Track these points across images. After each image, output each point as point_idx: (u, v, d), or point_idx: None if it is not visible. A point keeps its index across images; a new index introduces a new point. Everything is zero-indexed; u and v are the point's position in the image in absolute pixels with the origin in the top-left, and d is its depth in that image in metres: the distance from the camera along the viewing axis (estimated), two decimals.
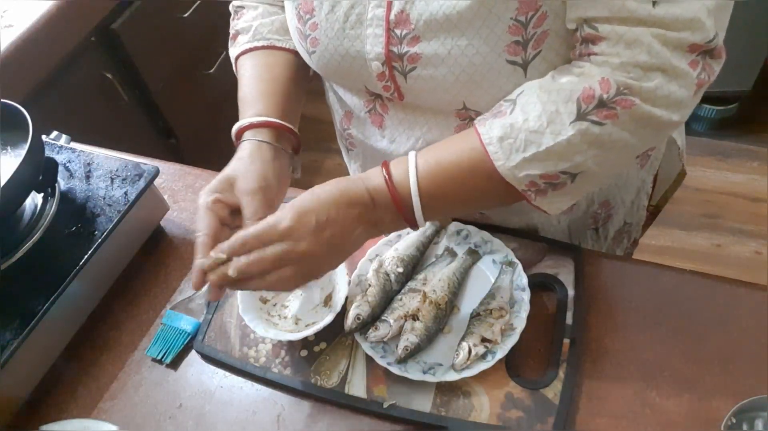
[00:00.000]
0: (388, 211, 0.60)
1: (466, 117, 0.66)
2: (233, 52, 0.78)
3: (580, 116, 0.54)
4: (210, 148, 1.83)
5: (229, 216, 0.64)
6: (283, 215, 0.58)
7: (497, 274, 0.73)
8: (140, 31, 1.50)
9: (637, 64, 0.53)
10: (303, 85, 0.78)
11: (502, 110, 0.59)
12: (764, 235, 1.85)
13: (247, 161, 0.67)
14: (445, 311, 0.70)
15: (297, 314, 0.75)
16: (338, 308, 0.71)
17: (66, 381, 0.75)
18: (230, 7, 0.82)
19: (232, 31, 0.79)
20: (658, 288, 0.74)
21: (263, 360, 0.72)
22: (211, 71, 1.73)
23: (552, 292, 0.73)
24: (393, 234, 0.79)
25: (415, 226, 0.62)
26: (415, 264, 0.75)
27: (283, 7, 0.77)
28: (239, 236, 0.59)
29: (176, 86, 1.66)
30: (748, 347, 0.67)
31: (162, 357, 0.75)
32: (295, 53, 0.75)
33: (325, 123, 0.96)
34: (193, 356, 0.75)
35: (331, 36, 0.65)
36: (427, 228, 0.77)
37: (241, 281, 0.59)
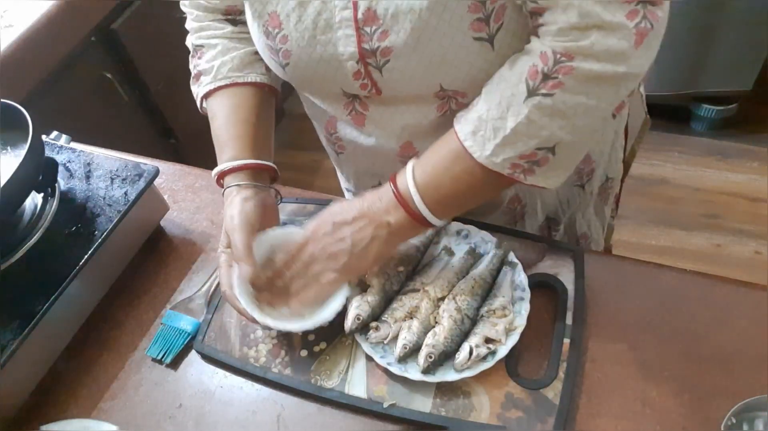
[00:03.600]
0: (402, 218, 0.66)
1: (445, 96, 0.68)
2: (197, 91, 0.80)
3: (531, 93, 0.57)
4: (210, 148, 1.83)
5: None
6: (303, 231, 0.71)
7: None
8: (140, 31, 1.50)
9: (573, 27, 0.54)
10: (270, 114, 0.83)
11: (473, 103, 0.63)
12: (764, 235, 1.85)
13: (230, 208, 0.73)
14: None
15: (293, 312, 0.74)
16: (338, 307, 0.71)
17: (66, 381, 0.75)
18: (188, 44, 0.83)
19: (194, 71, 0.81)
20: (658, 288, 0.74)
21: (263, 360, 0.72)
22: None
23: (552, 292, 0.73)
24: None
25: (429, 226, 0.67)
26: (415, 265, 0.75)
27: (242, 40, 0.79)
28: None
29: (176, 86, 1.65)
30: (748, 347, 0.67)
31: (162, 357, 0.75)
32: (258, 85, 0.79)
33: None
34: (193, 356, 0.75)
35: (302, 45, 0.66)
36: None
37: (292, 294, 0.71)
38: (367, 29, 0.62)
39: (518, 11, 0.60)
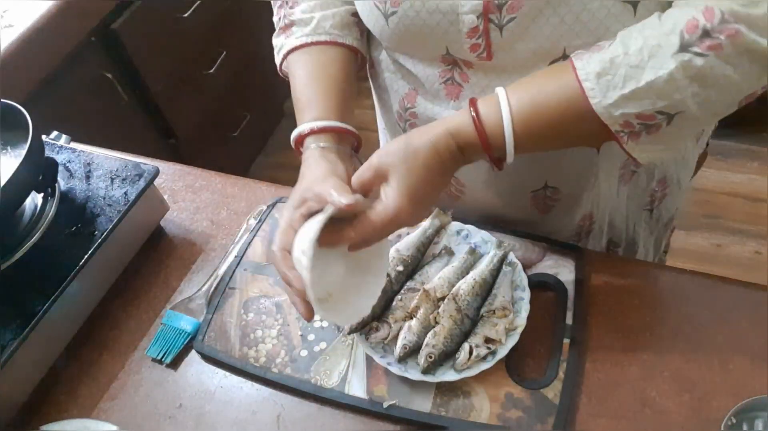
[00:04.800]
0: (473, 152, 0.59)
1: None
2: (286, 43, 0.73)
3: (683, 48, 0.51)
4: (210, 148, 1.84)
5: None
6: (394, 203, 0.59)
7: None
8: (140, 31, 1.50)
9: None
10: (356, 82, 0.76)
11: (601, 45, 0.56)
12: (764, 235, 1.85)
13: (314, 168, 0.65)
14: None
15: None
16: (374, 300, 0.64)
17: (66, 381, 0.75)
18: None
19: (283, 21, 0.74)
20: (658, 288, 0.74)
21: (263, 360, 0.72)
22: (211, 71, 1.73)
23: (552, 292, 0.73)
24: (393, 234, 0.79)
25: (501, 166, 0.60)
26: (415, 265, 0.75)
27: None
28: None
29: (176, 86, 1.66)
30: (748, 347, 0.67)
31: (162, 357, 0.75)
32: (354, 50, 0.73)
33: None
34: (193, 356, 0.75)
35: None
36: (427, 228, 0.77)
37: None
38: None
39: None
